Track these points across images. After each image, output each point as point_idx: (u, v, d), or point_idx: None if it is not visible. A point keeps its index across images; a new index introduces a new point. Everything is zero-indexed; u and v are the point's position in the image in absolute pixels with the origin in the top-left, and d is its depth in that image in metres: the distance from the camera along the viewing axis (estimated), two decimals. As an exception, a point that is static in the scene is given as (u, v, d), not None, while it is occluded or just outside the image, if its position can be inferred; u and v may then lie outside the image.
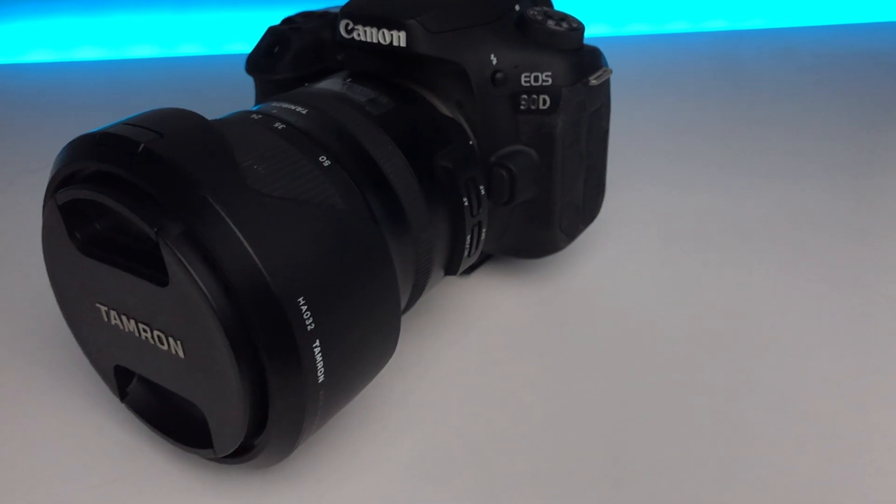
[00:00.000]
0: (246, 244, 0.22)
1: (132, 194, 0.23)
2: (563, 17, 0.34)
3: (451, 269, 0.33)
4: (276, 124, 0.28)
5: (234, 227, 0.22)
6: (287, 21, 0.39)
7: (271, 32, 0.39)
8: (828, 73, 0.74)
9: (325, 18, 0.39)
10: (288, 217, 0.24)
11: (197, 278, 0.22)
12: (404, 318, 0.33)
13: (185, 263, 0.22)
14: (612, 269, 0.41)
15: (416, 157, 0.30)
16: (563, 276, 0.40)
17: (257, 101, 0.40)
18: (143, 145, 0.23)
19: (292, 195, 0.25)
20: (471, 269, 0.40)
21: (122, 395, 0.29)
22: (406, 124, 0.31)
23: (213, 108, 0.31)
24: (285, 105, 0.30)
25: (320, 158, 0.27)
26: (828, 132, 0.60)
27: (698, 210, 0.48)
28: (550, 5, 0.40)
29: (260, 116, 0.28)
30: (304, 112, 0.29)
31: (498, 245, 0.38)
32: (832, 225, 0.46)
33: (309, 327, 0.23)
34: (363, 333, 0.26)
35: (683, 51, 0.80)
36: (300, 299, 0.23)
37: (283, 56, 0.38)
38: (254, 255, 0.22)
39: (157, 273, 0.24)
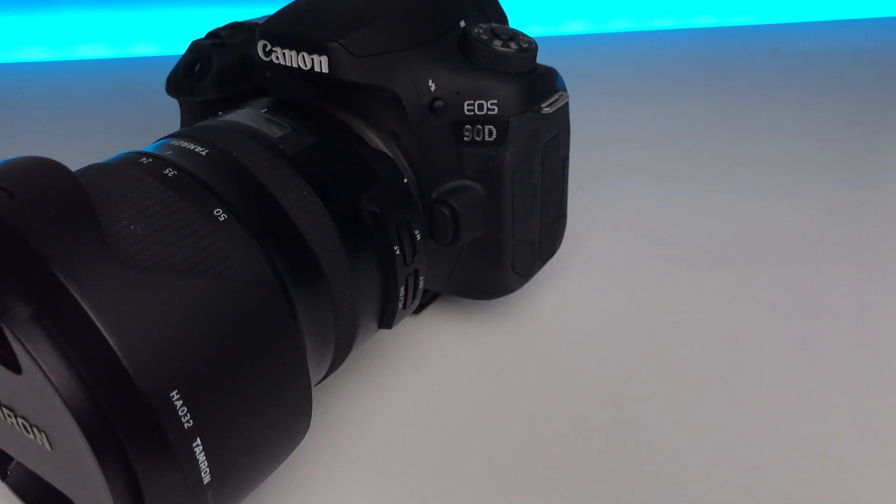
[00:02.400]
0: (102, 330, 0.19)
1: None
2: (513, 36, 0.31)
3: (384, 323, 0.29)
4: (167, 170, 0.24)
5: (89, 311, 0.19)
6: (211, 35, 0.35)
7: (192, 48, 0.35)
8: (821, 73, 0.70)
9: (253, 32, 0.35)
10: (161, 293, 0.20)
11: (46, 369, 0.19)
12: (331, 376, 0.29)
13: (33, 352, 0.19)
14: (572, 306, 0.38)
15: (337, 202, 0.27)
16: (518, 314, 0.37)
17: (182, 125, 0.37)
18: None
19: (172, 263, 0.21)
20: (419, 308, 0.36)
21: (3, 475, 0.26)
22: (326, 164, 0.27)
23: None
24: (184, 144, 0.26)
25: (216, 212, 0.23)
26: (823, 139, 0.57)
27: (674, 235, 0.44)
28: (504, 18, 0.36)
29: (150, 161, 0.24)
30: (203, 153, 0.25)
31: (445, 285, 0.35)
32: (828, 254, 0.42)
33: (186, 425, 0.20)
34: (261, 422, 0.22)
35: (668, 49, 0.76)
36: (173, 393, 0.20)
37: (204, 75, 0.34)
38: (112, 344, 0.19)
39: (12, 357, 0.20)
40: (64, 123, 0.59)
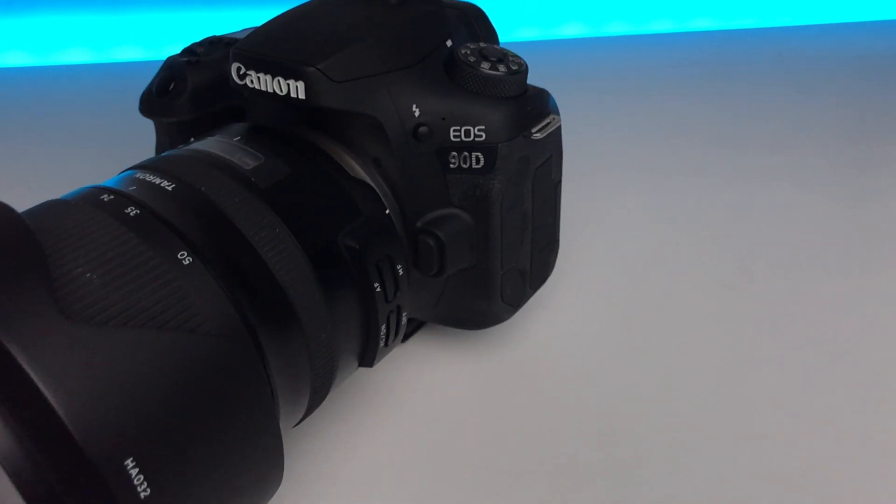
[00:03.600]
0: (47, 394, 0.17)
1: None
2: (501, 58, 0.29)
3: (365, 361, 0.28)
4: (130, 209, 0.23)
5: (32, 372, 0.17)
6: (187, 51, 0.34)
7: (167, 66, 0.33)
8: (824, 77, 0.68)
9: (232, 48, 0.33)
10: (115, 350, 0.19)
11: (-15, 437, 0.17)
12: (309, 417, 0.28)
13: (-28, 418, 0.17)
14: (565, 332, 0.36)
15: (313, 238, 0.25)
16: (508, 342, 0.35)
17: (158, 147, 0.35)
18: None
19: (129, 315, 0.20)
20: (405, 336, 0.35)
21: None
22: (302, 197, 0.26)
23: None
24: (149, 178, 0.24)
25: (180, 255, 0.22)
26: (828, 146, 0.55)
27: (672, 256, 0.42)
28: (493, 34, 0.34)
29: (111, 198, 0.23)
30: (169, 188, 0.24)
31: (432, 314, 0.33)
32: (834, 281, 0.41)
33: (142, 494, 0.18)
34: (227, 485, 0.21)
35: (666, 53, 0.75)
36: (127, 462, 0.18)
37: (179, 95, 0.32)
38: (57, 409, 0.17)
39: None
40: (44, 131, 0.57)
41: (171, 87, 0.33)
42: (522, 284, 0.33)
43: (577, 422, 0.31)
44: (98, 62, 0.68)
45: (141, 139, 0.37)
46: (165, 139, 0.34)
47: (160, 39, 0.68)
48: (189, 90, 0.32)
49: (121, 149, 0.38)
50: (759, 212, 0.46)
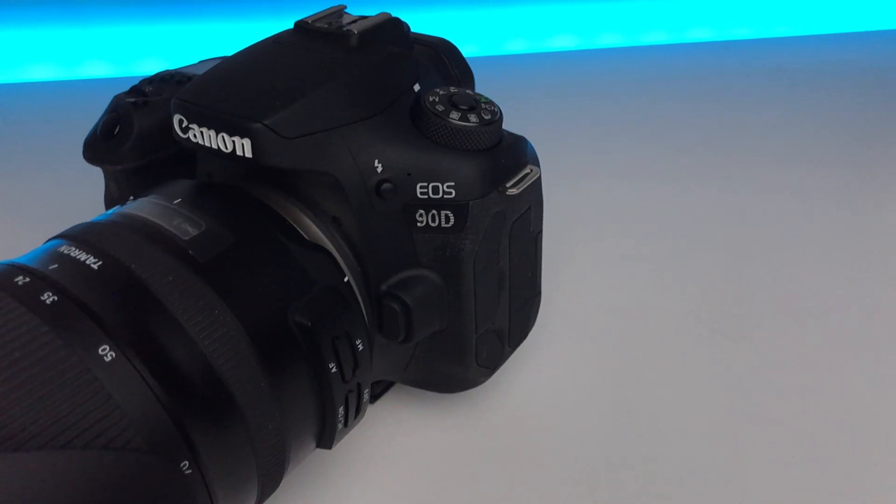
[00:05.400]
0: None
1: None
2: (473, 106, 0.26)
3: (323, 443, 0.25)
4: (46, 295, 0.20)
5: None
6: (134, 91, 0.31)
7: (112, 107, 0.30)
8: (827, 90, 0.66)
9: (182, 87, 0.30)
10: (15, 478, 0.16)
11: None
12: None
13: None
14: (546, 390, 0.33)
15: (259, 317, 0.22)
16: (484, 401, 0.32)
17: (106, 195, 0.32)
18: None
19: (30, 433, 0.17)
20: (373, 398, 0.32)
21: None
22: (247, 270, 0.23)
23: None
24: (74, 253, 0.22)
25: (101, 350, 0.19)
26: (832, 164, 0.52)
27: (660, 299, 0.40)
28: (467, 72, 0.32)
29: (26, 280, 0.20)
30: (94, 266, 0.21)
31: (402, 377, 0.31)
32: (832, 317, 0.38)
33: None
34: None
35: (661, 66, 0.72)
36: None
37: (124, 140, 0.30)
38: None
39: None
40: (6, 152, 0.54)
41: (117, 130, 0.30)
42: (500, 345, 0.30)
43: (562, 494, 0.29)
44: (63, 79, 0.65)
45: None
46: (113, 186, 0.32)
47: (130, 55, 0.65)
48: (135, 135, 0.29)
49: (83, 173, 0.35)
50: (756, 250, 0.44)
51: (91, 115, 0.32)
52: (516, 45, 0.72)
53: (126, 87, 0.32)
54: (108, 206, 0.33)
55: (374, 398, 0.32)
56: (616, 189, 0.50)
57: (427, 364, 0.29)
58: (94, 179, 0.33)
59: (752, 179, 0.51)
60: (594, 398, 0.33)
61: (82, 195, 0.38)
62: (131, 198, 0.25)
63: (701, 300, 0.39)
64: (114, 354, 0.19)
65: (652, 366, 0.35)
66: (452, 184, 0.26)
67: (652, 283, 0.41)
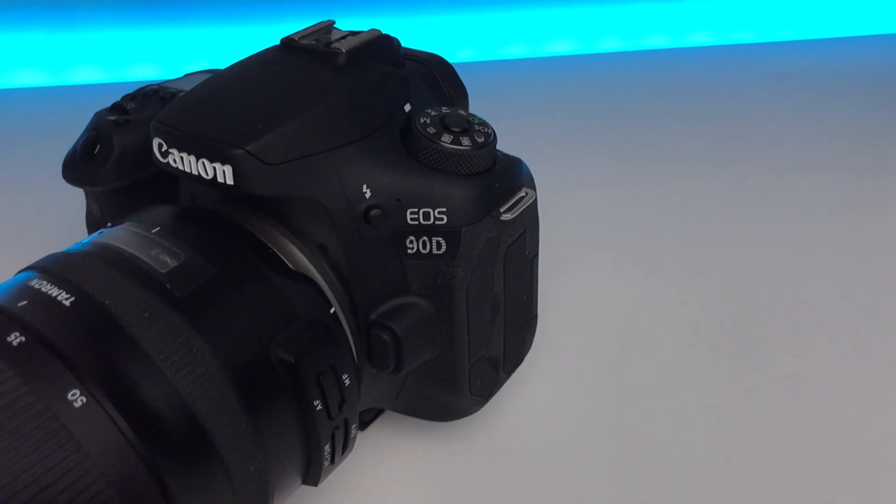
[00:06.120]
0: None
1: None
2: (466, 128, 0.25)
3: (309, 480, 0.24)
4: (13, 336, 0.19)
5: None
6: (116, 108, 0.30)
7: (93, 125, 0.29)
8: (832, 95, 0.64)
9: (166, 104, 0.29)
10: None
11: None
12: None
13: None
14: (542, 416, 0.32)
15: (239, 354, 0.21)
16: (479, 428, 0.31)
17: (87, 214, 0.31)
18: None
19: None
20: (363, 425, 0.31)
21: None
22: (227, 305, 0.22)
23: None
24: (45, 288, 0.21)
25: (70, 395, 0.18)
26: (836, 172, 0.51)
27: (661, 314, 0.38)
28: (460, 89, 0.30)
29: (-7, 320, 0.19)
30: (66, 303, 0.20)
31: (393, 405, 0.30)
32: (834, 340, 0.37)
33: None
34: None
35: (662, 70, 0.71)
36: None
37: (105, 160, 0.29)
38: None
39: None
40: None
41: (97, 150, 0.29)
42: (495, 372, 0.29)
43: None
44: (52, 84, 0.64)
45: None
46: (94, 206, 0.31)
47: (120, 59, 0.64)
48: (115, 155, 0.28)
49: (67, 187, 0.34)
50: (760, 264, 0.43)
51: (79, 124, 0.31)
52: (515, 50, 0.71)
53: (116, 94, 0.31)
54: (88, 227, 0.32)
55: (364, 425, 0.31)
56: (615, 198, 0.49)
57: (419, 393, 0.28)
58: (77, 194, 0.32)
59: (755, 188, 0.50)
60: (591, 423, 0.32)
61: (66, 209, 0.37)
62: (109, 224, 0.24)
63: (701, 318, 0.38)
64: (84, 399, 0.18)
65: (651, 389, 0.34)
66: (444, 209, 0.25)
67: (651, 299, 0.40)
